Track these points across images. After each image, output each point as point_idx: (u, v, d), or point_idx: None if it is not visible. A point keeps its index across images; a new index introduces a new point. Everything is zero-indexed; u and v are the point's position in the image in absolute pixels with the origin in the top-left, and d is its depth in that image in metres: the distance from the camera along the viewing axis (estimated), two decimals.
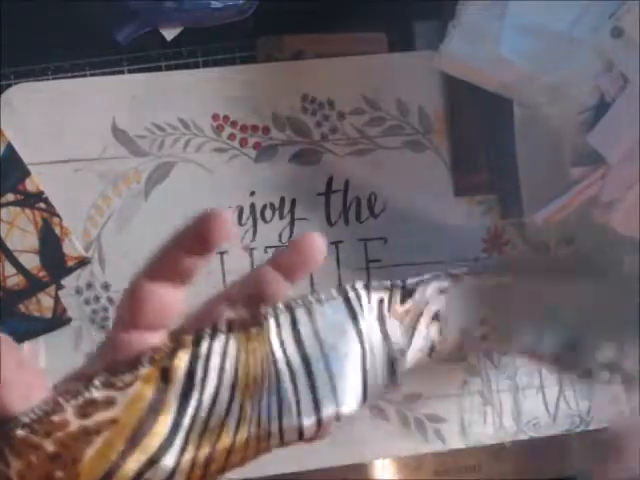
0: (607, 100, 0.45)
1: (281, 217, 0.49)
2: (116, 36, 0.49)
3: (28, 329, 0.49)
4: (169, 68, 0.51)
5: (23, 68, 0.50)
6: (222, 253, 0.49)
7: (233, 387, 0.27)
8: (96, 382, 0.25)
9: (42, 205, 0.49)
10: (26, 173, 0.48)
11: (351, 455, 0.49)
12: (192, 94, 0.49)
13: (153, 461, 0.26)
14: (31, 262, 0.48)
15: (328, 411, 0.29)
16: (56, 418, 0.25)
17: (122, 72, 0.50)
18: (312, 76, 0.51)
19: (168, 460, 0.26)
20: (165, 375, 0.26)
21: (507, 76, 0.46)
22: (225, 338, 0.27)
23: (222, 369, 0.26)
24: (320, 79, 0.51)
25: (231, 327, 0.27)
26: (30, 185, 0.48)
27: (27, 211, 0.49)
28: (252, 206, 0.49)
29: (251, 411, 0.27)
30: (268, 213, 0.49)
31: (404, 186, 0.51)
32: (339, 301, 0.28)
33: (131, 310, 0.26)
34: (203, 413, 0.26)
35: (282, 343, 0.27)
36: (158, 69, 0.51)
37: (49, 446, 0.25)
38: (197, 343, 0.26)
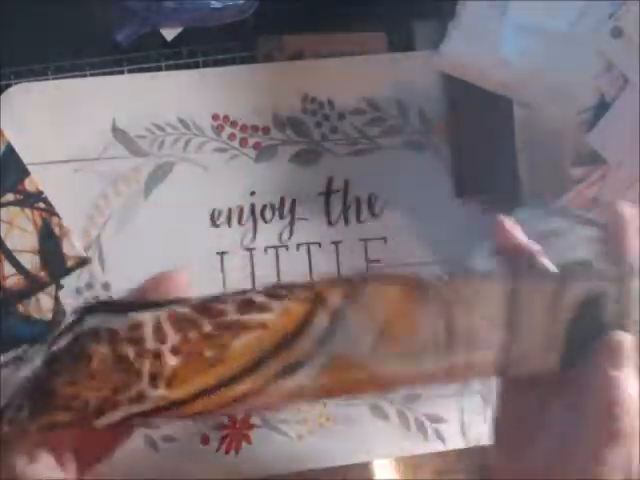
0: (607, 100, 0.45)
1: (281, 217, 0.49)
2: (116, 36, 0.49)
3: (27, 329, 0.49)
4: (169, 68, 0.51)
5: (23, 68, 0.50)
6: (222, 253, 0.49)
7: (379, 334, 0.29)
8: (261, 289, 0.29)
9: (42, 205, 0.49)
10: (25, 173, 0.48)
11: (351, 455, 0.49)
12: (192, 94, 0.49)
13: (286, 372, 0.29)
14: (30, 262, 0.48)
15: None
16: (218, 306, 0.29)
17: (122, 72, 0.50)
18: (312, 76, 0.51)
19: (304, 372, 0.29)
20: (319, 301, 0.29)
21: (507, 76, 0.46)
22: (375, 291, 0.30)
23: (373, 310, 0.29)
24: (320, 79, 0.51)
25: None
26: (29, 185, 0.48)
27: (26, 211, 0.49)
28: (252, 206, 0.49)
29: (388, 357, 0.30)
30: (268, 213, 0.49)
31: (404, 186, 0.51)
32: None
33: None
34: (342, 349, 0.29)
35: None
36: (158, 69, 0.51)
37: (206, 326, 0.28)
38: (358, 284, 0.29)
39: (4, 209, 0.48)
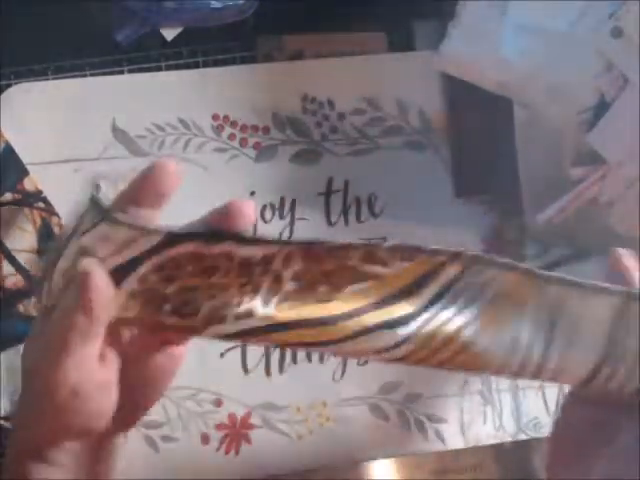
0: (607, 100, 0.45)
1: (281, 217, 0.49)
2: (116, 36, 0.49)
3: (27, 329, 0.49)
4: (169, 68, 0.51)
5: (23, 68, 0.50)
6: None
7: (485, 314, 0.30)
8: (388, 245, 0.30)
9: (41, 204, 0.49)
10: (25, 172, 0.48)
11: (351, 455, 0.49)
12: (192, 94, 0.49)
13: (383, 327, 0.30)
14: (30, 262, 0.48)
15: None
16: (345, 250, 0.30)
17: (122, 72, 0.50)
18: (312, 76, 0.51)
19: (402, 332, 0.30)
20: (435, 270, 0.30)
21: (507, 76, 0.46)
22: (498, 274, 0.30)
23: (483, 291, 0.30)
24: (320, 79, 0.51)
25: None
26: (29, 184, 0.48)
27: (26, 210, 0.49)
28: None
29: (490, 338, 0.31)
30: (268, 213, 0.49)
31: (404, 186, 0.51)
32: None
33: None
34: (444, 322, 0.30)
35: None
36: (158, 69, 0.51)
37: (329, 265, 0.30)
38: (475, 263, 0.30)
39: (3, 209, 0.48)
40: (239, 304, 0.30)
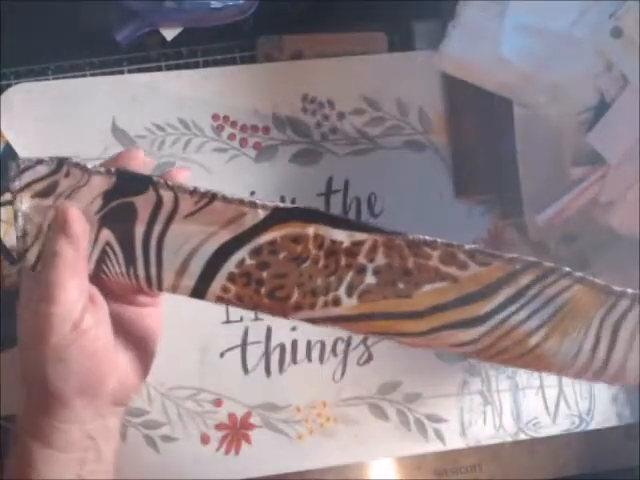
0: (607, 100, 0.45)
1: None
2: (116, 36, 0.49)
3: None
4: (169, 68, 0.51)
5: (23, 68, 0.50)
6: None
7: (550, 318, 0.33)
8: (467, 248, 0.33)
9: None
10: None
11: (351, 455, 0.49)
12: (192, 94, 0.49)
13: (463, 325, 0.33)
14: None
15: None
16: (427, 249, 0.33)
17: (122, 72, 0.50)
18: (312, 76, 0.51)
19: (474, 331, 0.33)
20: (510, 277, 0.33)
21: (507, 76, 0.46)
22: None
23: (553, 300, 0.33)
24: (320, 79, 0.51)
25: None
26: None
27: None
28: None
29: (555, 344, 0.34)
30: None
31: (404, 186, 0.51)
32: None
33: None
34: (512, 322, 0.33)
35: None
36: (158, 69, 0.51)
37: (410, 262, 0.33)
38: (549, 274, 0.33)
39: (3, 208, 0.48)
40: (327, 293, 0.33)
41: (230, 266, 0.33)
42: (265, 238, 0.33)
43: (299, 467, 0.48)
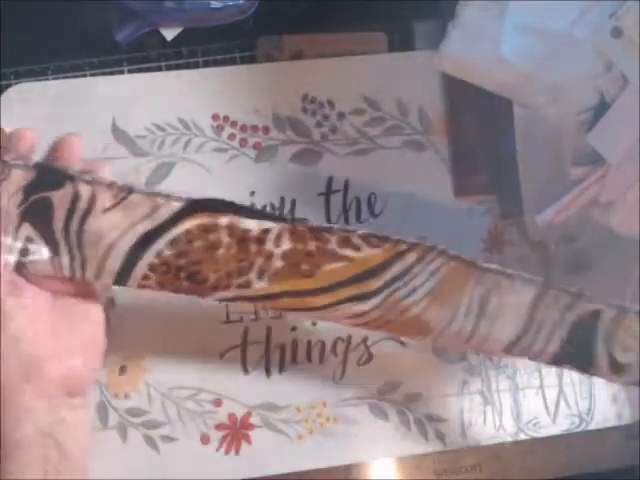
0: (607, 100, 0.45)
1: None
2: (116, 36, 0.49)
3: None
4: (169, 68, 0.51)
5: (23, 68, 0.50)
6: None
7: (430, 291, 0.38)
8: (360, 233, 0.37)
9: None
10: None
11: (351, 455, 0.49)
12: (192, 94, 0.50)
13: (358, 298, 0.38)
14: None
15: None
16: (326, 234, 0.37)
17: (122, 72, 0.50)
18: (312, 76, 0.51)
19: (368, 304, 0.38)
20: (397, 256, 0.38)
21: (507, 76, 0.46)
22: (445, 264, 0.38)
23: (433, 275, 0.38)
24: (320, 79, 0.51)
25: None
26: None
27: None
28: (252, 206, 0.49)
29: (434, 313, 0.39)
30: None
31: (404, 186, 0.51)
32: None
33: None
34: (401, 295, 0.38)
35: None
36: (158, 69, 0.51)
37: (312, 246, 0.37)
38: (428, 252, 0.38)
39: None
40: (239, 276, 0.37)
41: (150, 256, 0.36)
42: (181, 229, 0.36)
43: (299, 467, 0.48)
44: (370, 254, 0.38)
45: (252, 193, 0.49)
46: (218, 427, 0.48)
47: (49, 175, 0.35)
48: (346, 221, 0.50)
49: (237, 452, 0.48)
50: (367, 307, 0.38)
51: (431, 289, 0.38)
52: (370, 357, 0.50)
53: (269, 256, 0.37)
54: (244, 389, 0.48)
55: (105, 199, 0.35)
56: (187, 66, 0.51)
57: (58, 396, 0.34)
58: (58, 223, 0.35)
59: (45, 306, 0.35)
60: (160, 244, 0.36)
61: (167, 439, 0.47)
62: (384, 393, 0.50)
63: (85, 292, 0.38)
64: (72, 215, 0.35)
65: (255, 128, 0.50)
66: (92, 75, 0.50)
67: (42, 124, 0.48)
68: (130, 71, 0.50)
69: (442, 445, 0.50)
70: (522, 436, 0.51)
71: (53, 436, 0.34)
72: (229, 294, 0.37)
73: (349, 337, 0.49)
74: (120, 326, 0.47)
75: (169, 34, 0.50)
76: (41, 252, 0.35)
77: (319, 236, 0.37)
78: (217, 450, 0.48)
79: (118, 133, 0.49)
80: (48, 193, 0.35)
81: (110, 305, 0.47)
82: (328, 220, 0.50)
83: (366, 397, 0.49)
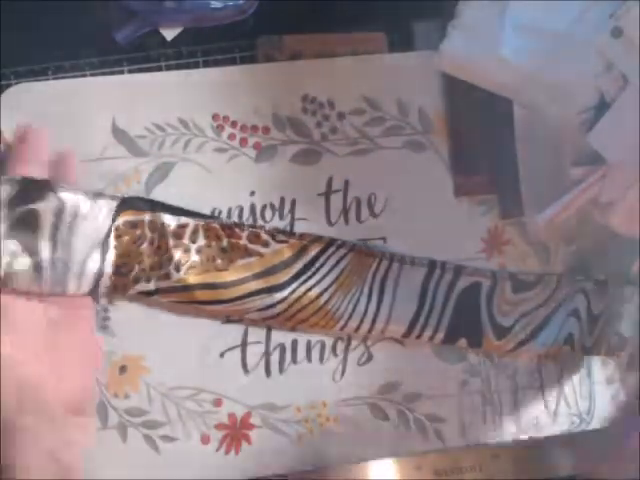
0: (607, 100, 0.45)
1: (281, 217, 0.49)
2: (116, 36, 0.49)
3: None
4: (169, 68, 0.51)
5: (23, 68, 0.50)
6: None
7: (334, 280, 0.44)
8: (268, 229, 0.43)
9: None
10: None
11: (351, 455, 0.49)
12: (192, 94, 0.49)
13: (268, 290, 0.42)
14: None
15: None
16: (237, 231, 0.42)
17: (122, 72, 0.50)
18: (312, 76, 0.51)
19: (277, 296, 0.42)
20: (302, 250, 0.43)
21: (507, 76, 0.46)
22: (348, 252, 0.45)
23: (335, 266, 0.44)
24: (320, 79, 0.51)
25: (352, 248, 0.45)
26: None
27: None
28: (252, 206, 0.49)
29: (339, 301, 0.44)
30: (268, 213, 0.49)
31: (404, 186, 0.51)
32: None
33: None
34: (305, 287, 0.43)
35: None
36: (158, 69, 0.51)
37: (224, 242, 0.42)
38: (330, 245, 0.44)
39: None
40: (160, 269, 0.41)
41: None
42: (115, 225, 0.41)
43: (299, 467, 0.48)
44: (278, 249, 0.42)
45: (252, 193, 0.49)
46: (218, 427, 0.48)
47: (33, 188, 0.37)
48: (346, 221, 0.50)
49: (237, 452, 0.48)
50: (274, 300, 0.42)
51: (334, 279, 0.43)
52: (370, 357, 0.50)
53: (186, 250, 0.41)
54: (244, 389, 0.48)
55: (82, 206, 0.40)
56: (187, 66, 0.51)
57: (61, 416, 0.33)
58: (45, 232, 0.37)
59: (35, 323, 0.34)
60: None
61: (167, 439, 0.47)
62: (384, 393, 0.50)
63: (74, 302, 0.37)
64: (59, 225, 0.37)
65: (255, 128, 0.50)
66: (92, 75, 0.50)
67: (42, 124, 0.48)
68: (130, 71, 0.50)
69: (442, 445, 0.50)
70: (522, 436, 0.51)
71: (59, 460, 0.33)
72: (151, 285, 0.41)
73: (349, 337, 0.49)
74: (120, 326, 0.47)
75: (169, 34, 0.50)
76: (27, 265, 0.37)
77: (231, 233, 0.42)
78: (217, 450, 0.48)
79: (118, 133, 0.49)
80: (34, 205, 0.37)
81: (110, 305, 0.47)
82: (328, 220, 0.50)
83: (366, 397, 0.49)
